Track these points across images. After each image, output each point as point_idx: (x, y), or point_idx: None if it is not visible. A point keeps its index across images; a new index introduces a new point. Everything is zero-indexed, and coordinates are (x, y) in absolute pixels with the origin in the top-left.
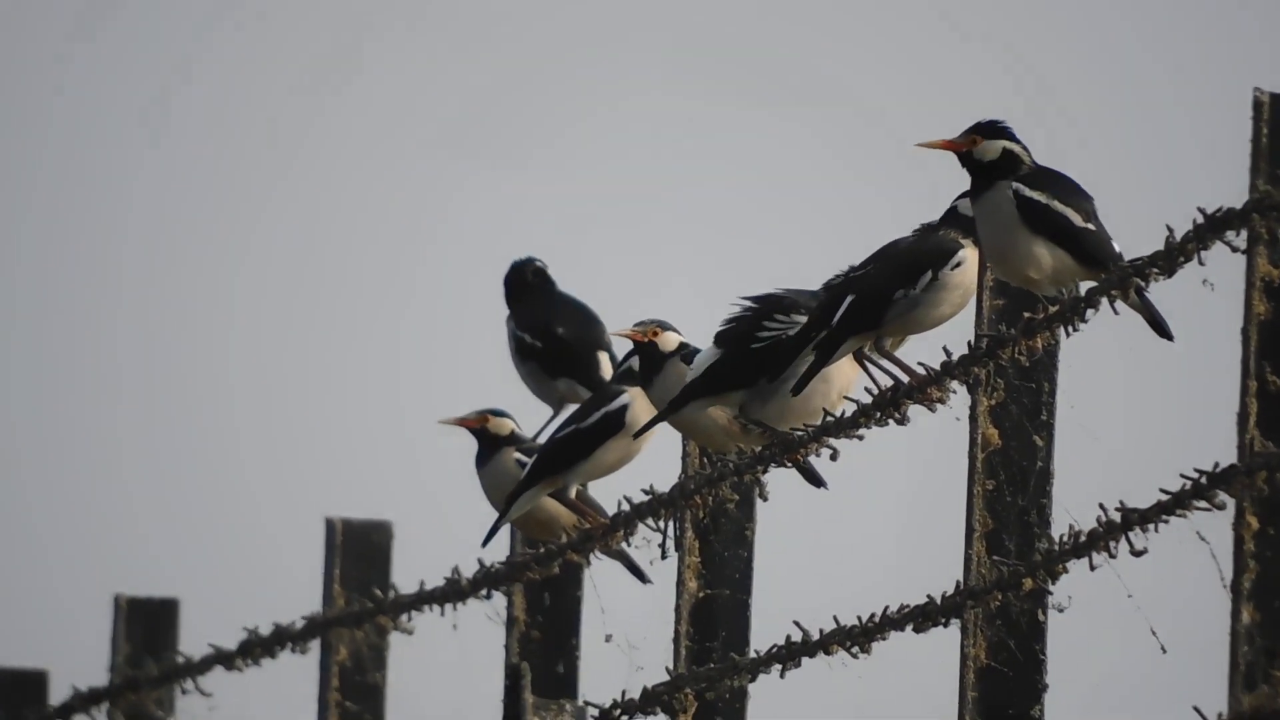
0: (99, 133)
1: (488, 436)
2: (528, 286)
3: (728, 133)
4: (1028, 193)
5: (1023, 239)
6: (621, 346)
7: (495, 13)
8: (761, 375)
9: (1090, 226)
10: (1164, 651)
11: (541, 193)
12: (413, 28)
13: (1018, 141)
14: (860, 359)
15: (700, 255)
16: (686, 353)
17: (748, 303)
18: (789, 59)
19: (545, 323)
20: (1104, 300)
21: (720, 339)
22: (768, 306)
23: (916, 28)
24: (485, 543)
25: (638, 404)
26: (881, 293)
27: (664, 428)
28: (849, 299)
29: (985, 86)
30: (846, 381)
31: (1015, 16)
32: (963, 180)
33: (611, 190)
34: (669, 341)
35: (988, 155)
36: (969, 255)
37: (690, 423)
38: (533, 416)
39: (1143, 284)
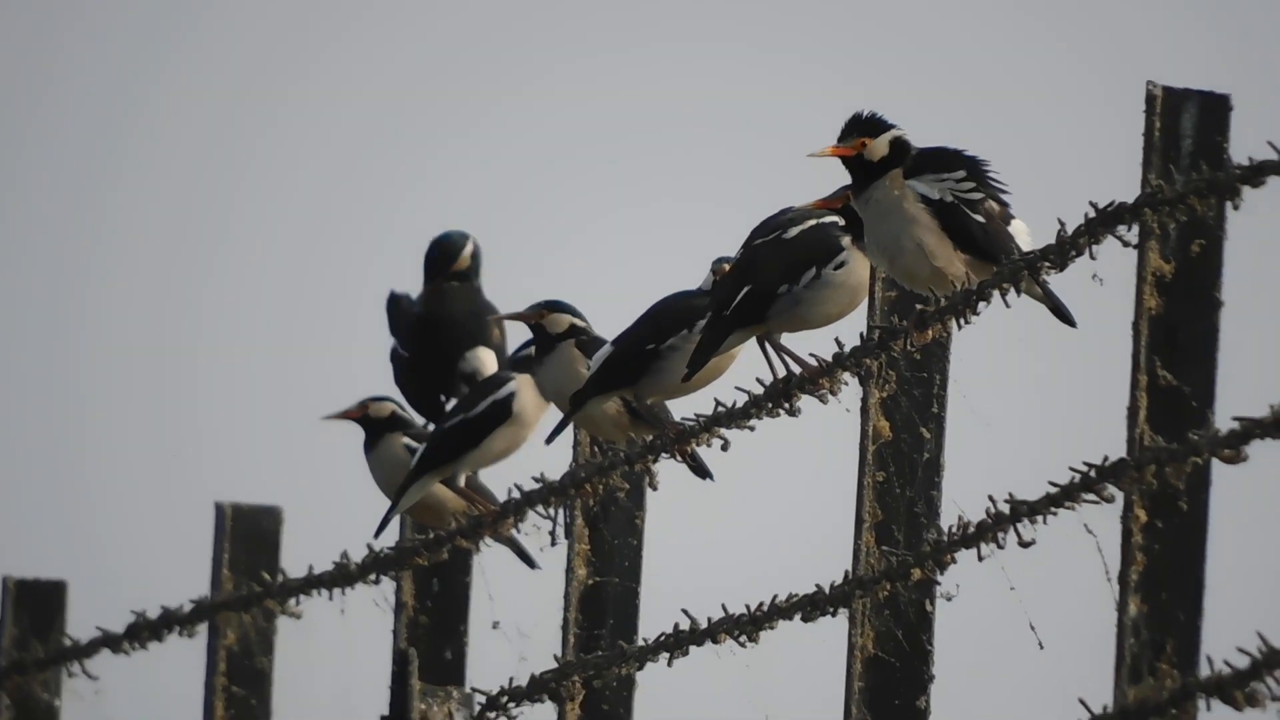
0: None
1: (370, 422)
2: (404, 303)
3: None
4: (922, 188)
5: (918, 234)
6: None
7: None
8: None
9: (980, 219)
10: (1041, 647)
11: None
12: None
13: (896, 126)
14: (761, 343)
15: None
16: (582, 338)
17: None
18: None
19: (417, 336)
20: (995, 293)
21: (617, 340)
22: (664, 316)
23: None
24: (378, 534)
25: (524, 391)
26: (766, 287)
27: (553, 414)
28: (745, 289)
29: (875, 75)
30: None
31: (907, 6)
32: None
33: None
34: (557, 323)
35: (877, 154)
36: (855, 256)
37: (583, 415)
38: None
39: (1036, 276)
